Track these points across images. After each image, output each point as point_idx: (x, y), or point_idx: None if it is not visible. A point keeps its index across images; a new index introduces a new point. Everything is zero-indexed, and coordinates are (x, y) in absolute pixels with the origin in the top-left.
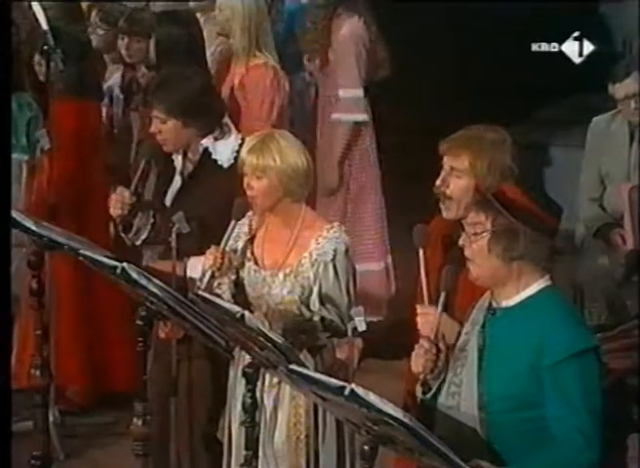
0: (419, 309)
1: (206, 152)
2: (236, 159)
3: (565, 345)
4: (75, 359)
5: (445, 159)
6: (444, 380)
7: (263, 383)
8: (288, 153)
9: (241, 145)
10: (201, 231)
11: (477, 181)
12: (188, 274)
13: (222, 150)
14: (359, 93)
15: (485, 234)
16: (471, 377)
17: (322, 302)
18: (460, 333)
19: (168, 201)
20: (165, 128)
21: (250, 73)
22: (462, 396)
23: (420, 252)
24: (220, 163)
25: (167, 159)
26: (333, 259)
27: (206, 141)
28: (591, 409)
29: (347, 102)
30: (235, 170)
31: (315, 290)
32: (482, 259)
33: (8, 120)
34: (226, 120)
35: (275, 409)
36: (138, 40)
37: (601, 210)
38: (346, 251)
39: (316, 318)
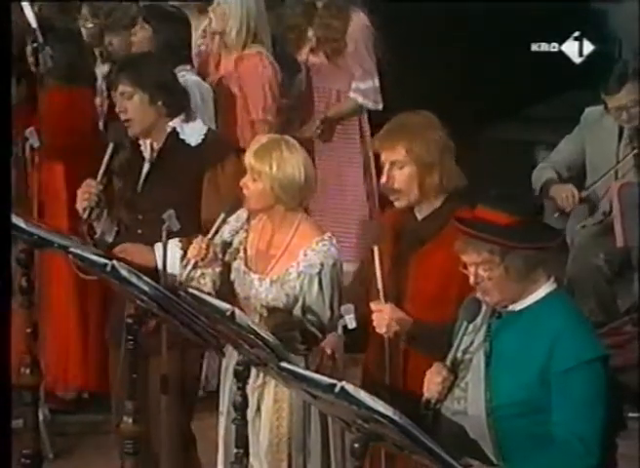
0: (373, 306)
1: (173, 132)
2: (204, 140)
3: (576, 352)
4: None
5: (382, 156)
6: None
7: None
8: (287, 163)
9: (209, 130)
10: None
11: (419, 166)
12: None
13: (190, 132)
14: (377, 82)
15: (500, 267)
16: (478, 382)
17: (304, 314)
18: (416, 325)
19: (139, 185)
20: (130, 105)
21: (245, 61)
22: (469, 401)
23: (375, 248)
24: (187, 142)
25: (135, 150)
26: (319, 273)
27: (174, 122)
28: (595, 417)
29: (367, 92)
30: (203, 147)
31: (300, 300)
32: (501, 288)
33: (8, 120)
34: (193, 108)
35: (258, 410)
36: (118, 33)
37: (553, 173)
38: (334, 264)
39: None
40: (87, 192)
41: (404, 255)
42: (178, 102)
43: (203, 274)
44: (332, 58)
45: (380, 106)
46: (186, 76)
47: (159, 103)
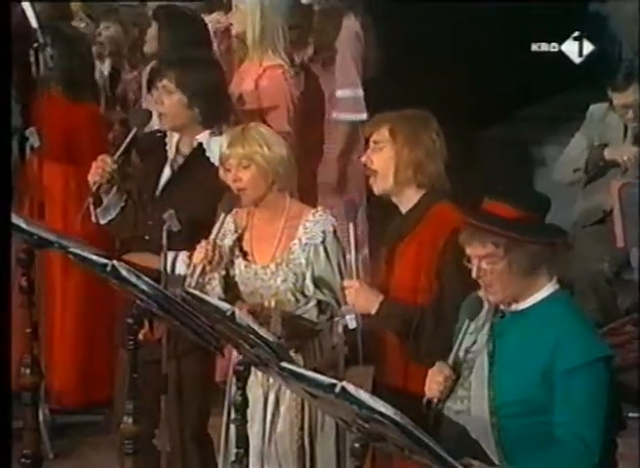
0: (345, 283)
1: (200, 147)
2: None
3: (580, 352)
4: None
5: (369, 137)
6: None
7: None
8: (271, 141)
9: None
10: (189, 226)
11: (397, 152)
12: (177, 270)
13: (215, 148)
14: (359, 92)
15: (503, 261)
16: (481, 382)
17: (316, 285)
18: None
19: (158, 191)
20: (169, 101)
21: (266, 74)
22: (472, 400)
23: (350, 226)
24: (212, 160)
25: (161, 148)
26: (322, 242)
27: (201, 136)
28: (597, 418)
29: (347, 102)
30: None
31: (308, 274)
32: (504, 283)
33: (8, 120)
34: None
35: (277, 401)
36: (107, 26)
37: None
38: (334, 231)
39: (312, 302)
40: (100, 168)
41: (390, 250)
42: (216, 113)
43: (210, 279)
44: (326, 67)
45: (364, 116)
46: None
47: (196, 109)
